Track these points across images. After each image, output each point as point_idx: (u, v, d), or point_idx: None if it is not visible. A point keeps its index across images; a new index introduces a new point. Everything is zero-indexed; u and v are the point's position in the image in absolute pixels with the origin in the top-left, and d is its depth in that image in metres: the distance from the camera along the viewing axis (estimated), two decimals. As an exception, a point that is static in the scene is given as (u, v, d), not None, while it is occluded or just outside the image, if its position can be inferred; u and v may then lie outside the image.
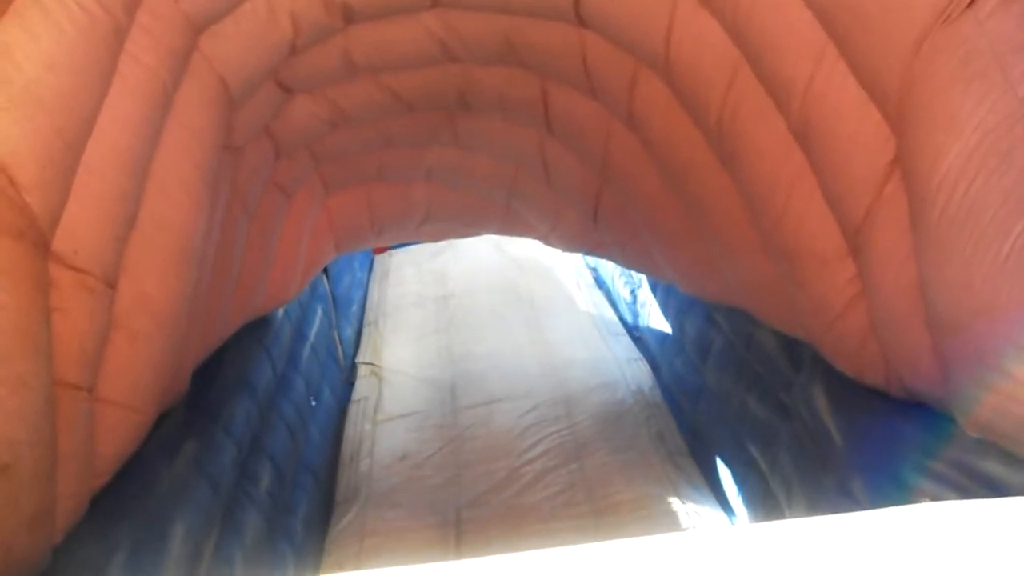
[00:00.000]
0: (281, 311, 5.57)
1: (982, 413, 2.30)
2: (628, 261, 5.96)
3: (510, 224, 6.03)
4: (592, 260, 9.20)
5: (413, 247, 9.97)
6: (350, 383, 7.36)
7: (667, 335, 6.72)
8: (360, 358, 7.82)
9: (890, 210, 2.53)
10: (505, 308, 8.62)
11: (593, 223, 5.22)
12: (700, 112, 3.41)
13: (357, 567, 5.02)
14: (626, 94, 3.85)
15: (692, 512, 5.15)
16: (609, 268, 8.59)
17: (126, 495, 2.93)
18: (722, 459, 5.21)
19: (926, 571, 1.16)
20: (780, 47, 2.76)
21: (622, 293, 8.15)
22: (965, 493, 2.49)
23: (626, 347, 7.58)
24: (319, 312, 6.81)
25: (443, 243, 9.52)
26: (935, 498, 1.64)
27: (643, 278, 7.37)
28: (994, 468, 2.42)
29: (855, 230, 2.74)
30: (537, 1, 3.52)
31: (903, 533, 1.26)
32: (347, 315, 8.02)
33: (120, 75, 2.54)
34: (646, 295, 7.39)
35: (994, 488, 2.41)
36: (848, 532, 1.27)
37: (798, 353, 3.90)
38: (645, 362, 7.22)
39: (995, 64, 2.00)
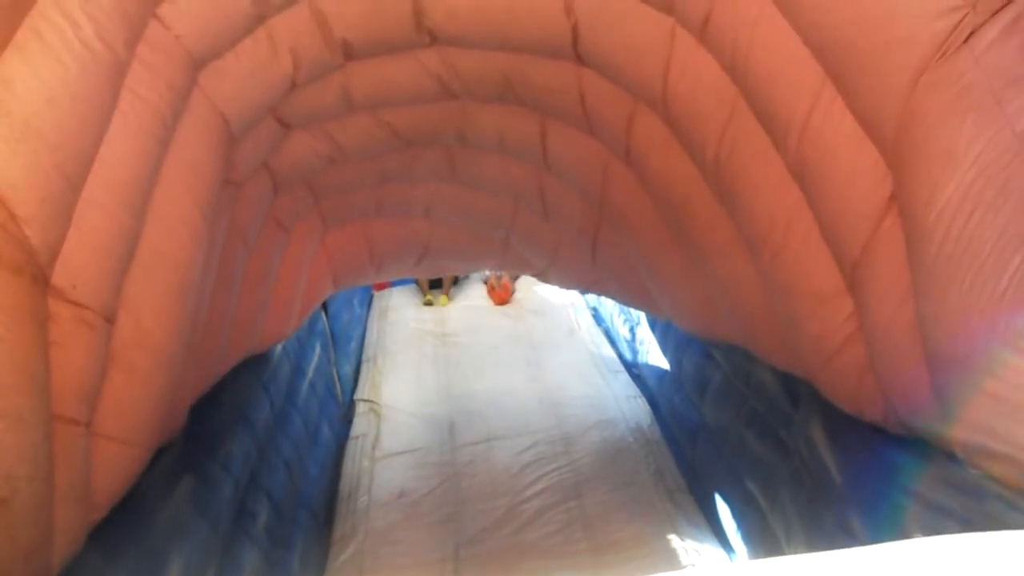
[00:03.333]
0: (279, 347, 5.56)
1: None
2: (626, 298, 5.96)
3: (509, 260, 6.03)
4: (591, 298, 9.21)
5: (412, 284, 10.01)
6: (348, 420, 7.33)
7: (666, 372, 6.71)
8: (358, 395, 7.79)
9: (887, 246, 2.53)
10: (504, 345, 8.62)
11: (591, 260, 5.23)
12: (697, 149, 3.43)
13: (354, 605, 5.00)
14: (624, 131, 3.87)
15: (691, 549, 5.13)
16: (608, 306, 8.61)
17: (123, 530, 2.91)
18: (721, 496, 5.19)
19: None
20: (778, 85, 2.78)
21: (621, 331, 8.16)
22: (965, 528, 2.48)
23: (625, 385, 7.58)
24: (317, 348, 6.80)
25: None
26: (934, 533, 1.63)
27: (642, 315, 7.38)
28: (993, 503, 2.41)
29: (852, 266, 2.74)
30: (536, 39, 3.54)
31: (901, 568, 1.25)
32: (346, 352, 8.01)
33: (120, 110, 2.55)
34: (645, 332, 7.39)
35: (993, 523, 2.40)
36: (845, 568, 1.27)
37: (796, 389, 3.90)
38: (644, 399, 7.22)
39: (991, 99, 2.01)
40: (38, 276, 2.22)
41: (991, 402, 2.20)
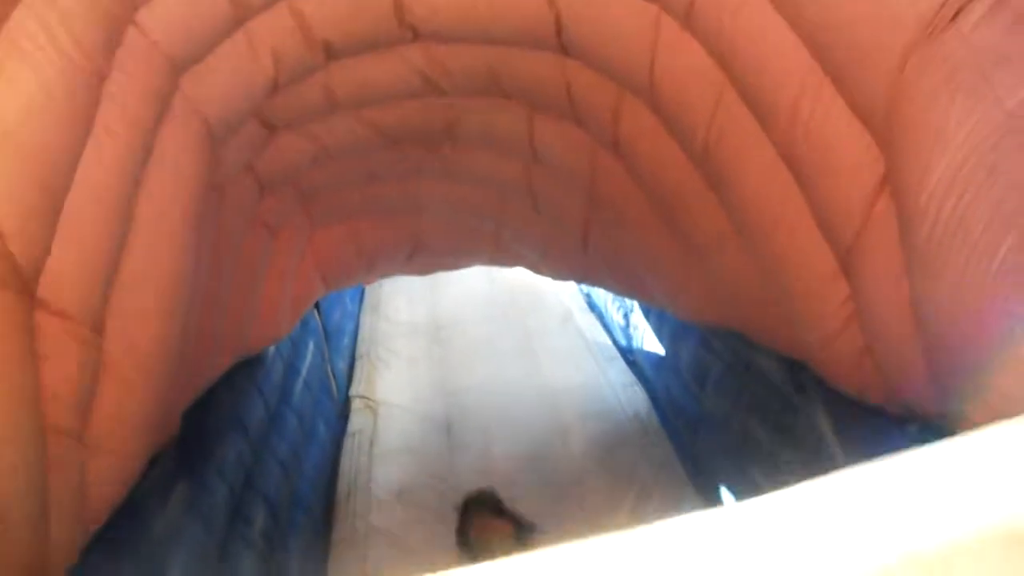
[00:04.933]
0: (272, 348, 5.53)
1: (991, 400, 2.28)
2: (620, 288, 5.95)
3: (500, 254, 6.01)
4: (584, 285, 9.17)
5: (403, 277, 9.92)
6: (344, 417, 7.30)
7: (662, 359, 6.66)
8: (353, 391, 7.76)
9: (880, 229, 2.52)
10: (497, 336, 8.56)
11: (583, 251, 5.21)
12: (686, 136, 3.41)
13: (356, 605, 4.99)
14: (611, 121, 3.85)
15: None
16: (602, 292, 8.56)
17: (119, 539, 2.89)
18: (725, 485, 5.17)
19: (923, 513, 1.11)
20: (765, 70, 2.76)
21: (615, 317, 8.11)
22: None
23: (621, 372, 7.52)
24: (311, 346, 6.77)
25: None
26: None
27: (635, 301, 7.34)
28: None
29: (846, 250, 2.73)
30: (520, 31, 3.53)
31: (888, 484, 1.21)
32: (339, 348, 7.96)
33: (101, 119, 2.53)
34: (639, 318, 7.35)
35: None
36: (832, 491, 1.22)
37: (799, 376, 3.88)
38: (641, 387, 7.16)
39: (980, 77, 1.99)
40: (23, 290, 2.20)
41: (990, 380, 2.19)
